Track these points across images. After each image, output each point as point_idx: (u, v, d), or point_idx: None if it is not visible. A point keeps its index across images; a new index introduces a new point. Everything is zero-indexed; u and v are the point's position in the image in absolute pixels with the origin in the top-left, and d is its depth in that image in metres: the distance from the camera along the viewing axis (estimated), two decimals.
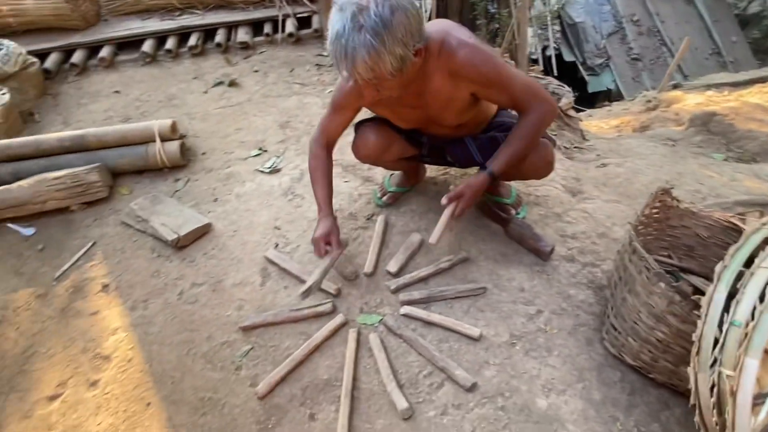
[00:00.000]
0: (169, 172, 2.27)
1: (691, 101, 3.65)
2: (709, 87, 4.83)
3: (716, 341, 0.98)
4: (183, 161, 2.27)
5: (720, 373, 0.97)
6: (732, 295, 0.98)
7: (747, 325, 0.93)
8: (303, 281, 1.67)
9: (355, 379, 1.39)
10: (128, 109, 2.77)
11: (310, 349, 1.44)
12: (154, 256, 1.86)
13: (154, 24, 3.31)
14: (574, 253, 1.67)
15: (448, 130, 1.56)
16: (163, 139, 2.24)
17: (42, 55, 3.09)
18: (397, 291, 1.61)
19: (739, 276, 1.00)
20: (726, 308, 0.98)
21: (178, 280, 1.77)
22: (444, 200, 1.45)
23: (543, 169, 1.57)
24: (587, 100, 8.65)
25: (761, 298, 0.94)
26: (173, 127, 2.27)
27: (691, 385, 1.02)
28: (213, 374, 1.47)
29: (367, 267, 1.67)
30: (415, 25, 1.14)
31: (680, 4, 9.25)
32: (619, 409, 1.28)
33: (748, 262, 1.01)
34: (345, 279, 1.66)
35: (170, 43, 3.19)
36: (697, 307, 1.09)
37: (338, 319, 1.51)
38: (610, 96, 8.76)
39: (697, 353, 1.00)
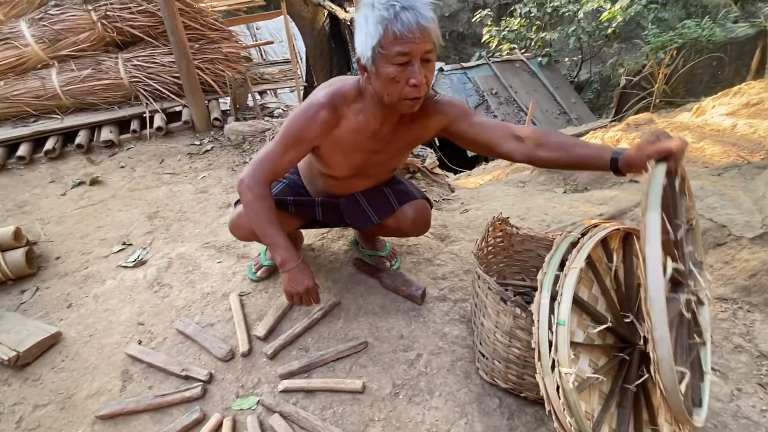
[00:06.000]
0: (14, 284, 2.01)
1: None
2: None
3: (551, 343, 1.06)
4: (31, 269, 2.04)
5: (560, 373, 1.03)
6: (554, 297, 1.08)
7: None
8: (171, 373, 1.52)
9: None
10: None
11: None
12: None
13: (4, 132, 3.10)
14: (445, 293, 1.74)
15: (366, 182, 1.60)
16: (5, 249, 2.00)
17: None
18: (274, 356, 1.54)
19: (557, 279, 1.11)
20: (552, 310, 1.07)
21: (16, 405, 1.50)
22: None
23: (422, 227, 1.67)
24: (469, 163, 9.58)
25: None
26: (17, 234, 2.05)
27: (542, 391, 1.07)
28: None
29: (242, 346, 1.57)
30: None
31: (526, 77, 10.95)
32: None
33: (563, 266, 1.13)
34: (220, 360, 1.55)
35: (23, 150, 2.98)
36: None
37: (213, 420, 1.36)
38: (486, 158, 9.80)
39: (539, 358, 1.07)
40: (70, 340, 1.70)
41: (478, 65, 11.58)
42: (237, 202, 1.64)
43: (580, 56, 11.76)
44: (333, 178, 1.55)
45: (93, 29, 3.27)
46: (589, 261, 1.14)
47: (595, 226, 1.24)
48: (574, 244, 1.15)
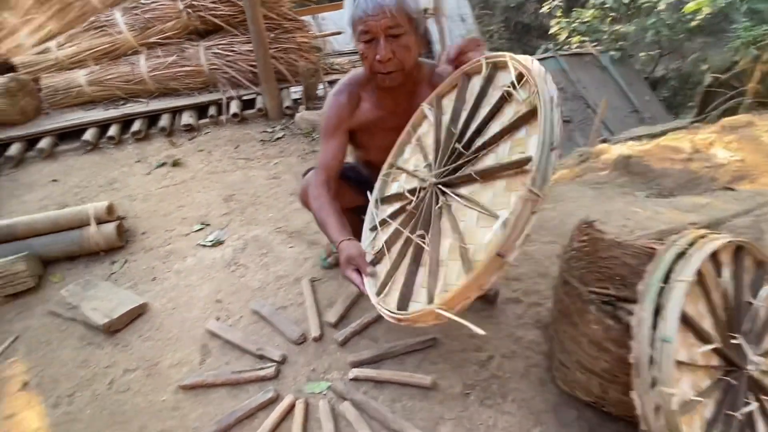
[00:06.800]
0: (106, 254, 2.17)
1: (616, 151, 3.96)
2: (631, 139, 5.31)
3: (652, 360, 0.99)
4: (120, 242, 2.19)
5: (661, 392, 0.96)
6: (656, 310, 1.01)
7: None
8: (246, 351, 1.58)
9: None
10: (66, 196, 2.70)
11: None
12: (83, 345, 1.72)
13: (97, 114, 3.35)
14: (519, 295, 1.69)
15: None
16: (100, 222, 2.17)
17: None
18: (345, 343, 1.57)
19: (662, 292, 1.03)
20: (655, 325, 1.00)
21: (108, 368, 1.63)
22: None
23: None
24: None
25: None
26: (110, 209, 2.21)
27: (638, 410, 1.00)
28: None
29: (314, 330, 1.61)
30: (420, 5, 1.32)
31: (596, 72, 10.37)
32: None
33: (667, 279, 1.05)
34: (293, 343, 1.59)
35: (113, 131, 3.21)
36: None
37: (287, 401, 1.40)
38: None
39: (638, 375, 1.00)
40: (155, 311, 1.81)
41: (543, 58, 11.09)
42: (306, 172, 1.69)
43: (657, 51, 10.92)
44: (371, 163, 1.64)
45: (179, 18, 3.44)
46: (699, 274, 1.05)
47: (703, 236, 1.14)
48: (680, 255, 1.07)
